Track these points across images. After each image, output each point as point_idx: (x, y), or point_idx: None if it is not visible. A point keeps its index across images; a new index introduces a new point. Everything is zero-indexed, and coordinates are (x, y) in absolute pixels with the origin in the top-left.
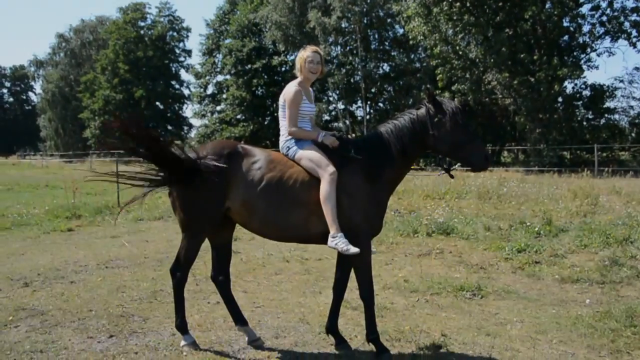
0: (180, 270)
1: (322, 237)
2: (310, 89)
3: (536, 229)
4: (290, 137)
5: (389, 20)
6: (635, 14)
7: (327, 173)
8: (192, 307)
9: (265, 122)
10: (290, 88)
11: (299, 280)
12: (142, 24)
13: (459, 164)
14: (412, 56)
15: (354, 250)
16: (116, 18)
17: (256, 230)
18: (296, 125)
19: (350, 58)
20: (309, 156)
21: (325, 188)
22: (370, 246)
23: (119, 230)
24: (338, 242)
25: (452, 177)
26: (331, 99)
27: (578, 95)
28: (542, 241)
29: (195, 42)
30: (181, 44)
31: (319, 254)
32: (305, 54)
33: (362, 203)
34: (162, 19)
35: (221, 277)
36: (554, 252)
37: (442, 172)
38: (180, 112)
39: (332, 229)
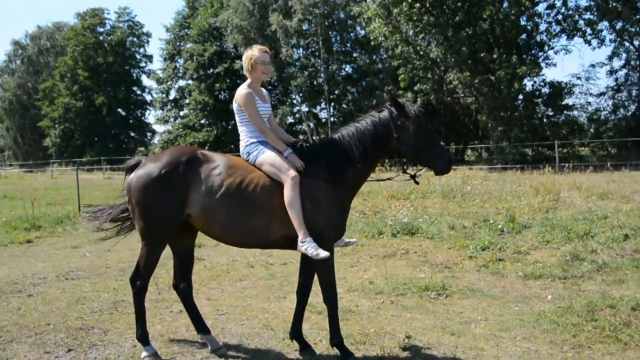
0: (140, 279)
1: (284, 242)
2: (263, 89)
3: (500, 226)
4: (250, 142)
5: (350, 22)
6: (588, 13)
7: (289, 177)
8: (154, 316)
9: (229, 127)
10: (241, 91)
11: (263, 285)
12: (101, 29)
13: (424, 169)
14: (374, 57)
15: (324, 254)
16: (74, 24)
17: (217, 236)
18: (264, 123)
19: (313, 60)
20: (270, 161)
21: (288, 193)
22: (333, 249)
23: (80, 240)
24: (307, 247)
25: (417, 182)
26: (295, 101)
27: (538, 92)
28: (505, 238)
29: (156, 47)
30: (142, 50)
31: (284, 258)
32: (254, 54)
33: (325, 207)
34: (121, 25)
35: (183, 284)
36: (517, 249)
37: (408, 179)
38: (143, 118)
39: (300, 234)
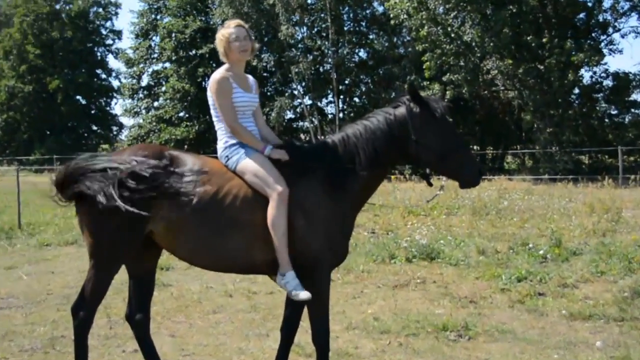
0: (84, 308)
1: (268, 267)
2: (248, 76)
3: (542, 252)
4: (229, 143)
5: None
6: None
7: (275, 192)
8: (101, 357)
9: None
10: (214, 76)
11: (242, 319)
12: None
13: (444, 178)
14: (395, 39)
15: (304, 295)
16: None
17: (187, 258)
18: (236, 119)
19: (319, 42)
20: (254, 169)
21: (272, 211)
22: (330, 279)
23: (16, 259)
24: (287, 282)
25: (430, 184)
26: (295, 92)
27: (598, 86)
28: (548, 267)
29: (126, 20)
30: (108, 23)
31: (271, 286)
32: (226, 31)
33: (322, 224)
34: None
35: (139, 315)
36: (563, 281)
37: (438, 193)
38: (108, 108)
39: (282, 265)
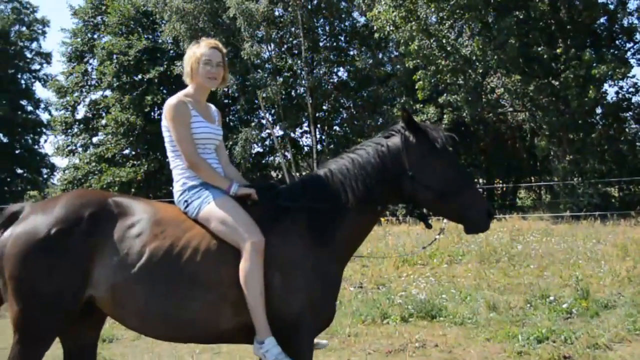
0: None
1: (239, 334)
2: (210, 105)
3: (566, 305)
4: (189, 184)
5: (344, 4)
6: None
7: (248, 242)
8: None
9: (167, 159)
10: (170, 101)
11: None
12: None
13: (445, 220)
14: (380, 56)
15: None
16: None
17: (138, 327)
18: (196, 151)
19: (290, 61)
20: (221, 216)
21: (247, 266)
22: (313, 346)
23: None
24: (267, 351)
25: (429, 226)
26: (264, 121)
27: (625, 103)
28: (574, 324)
29: (56, 40)
30: (34, 45)
31: (240, 357)
32: (198, 51)
33: (303, 281)
34: (2, 7)
35: None
36: (593, 341)
37: (437, 237)
38: (36, 147)
39: (259, 331)
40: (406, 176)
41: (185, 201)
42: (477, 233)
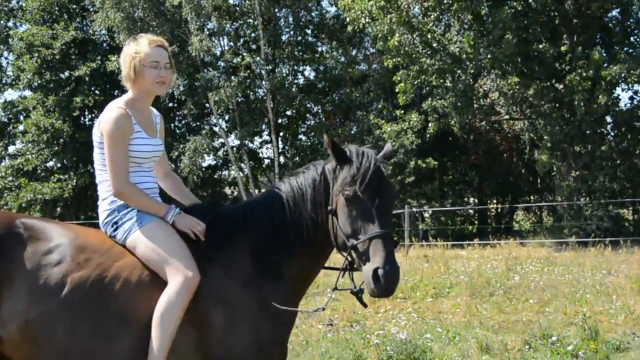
0: None
1: None
2: (152, 110)
3: (571, 347)
4: (117, 204)
5: None
6: None
7: (181, 275)
8: None
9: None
10: (110, 113)
11: None
12: None
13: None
14: (354, 53)
15: None
16: None
17: None
18: (126, 178)
19: (248, 59)
20: (152, 242)
21: (169, 301)
22: None
23: None
24: None
25: (363, 305)
26: (216, 129)
27: None
28: None
29: None
30: None
31: None
32: (141, 50)
33: (249, 321)
34: None
35: None
36: None
37: (330, 296)
38: None
39: None
40: (325, 210)
41: (115, 223)
42: (373, 296)
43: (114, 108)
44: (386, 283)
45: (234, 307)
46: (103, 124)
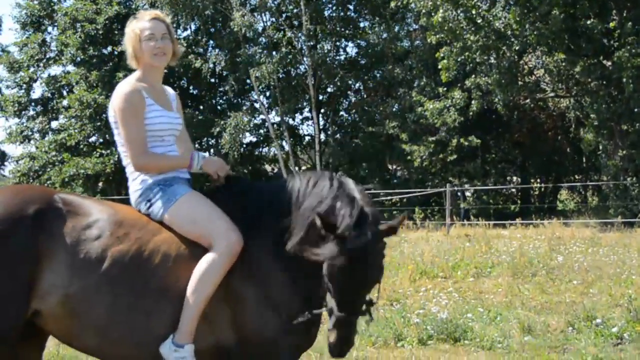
0: None
1: (213, 354)
2: (167, 88)
3: (615, 329)
4: (149, 182)
5: None
6: None
7: (226, 241)
8: None
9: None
10: (120, 89)
11: None
12: None
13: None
14: (397, 29)
15: None
16: None
17: (94, 348)
18: (144, 150)
19: (290, 34)
20: (191, 214)
21: (210, 265)
22: None
23: None
24: (184, 358)
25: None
26: (257, 105)
27: None
28: (626, 352)
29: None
30: None
31: None
32: (137, 25)
33: (281, 297)
34: None
35: None
36: None
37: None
38: None
39: (181, 333)
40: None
41: (148, 201)
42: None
43: (124, 84)
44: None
45: (267, 284)
46: (114, 102)
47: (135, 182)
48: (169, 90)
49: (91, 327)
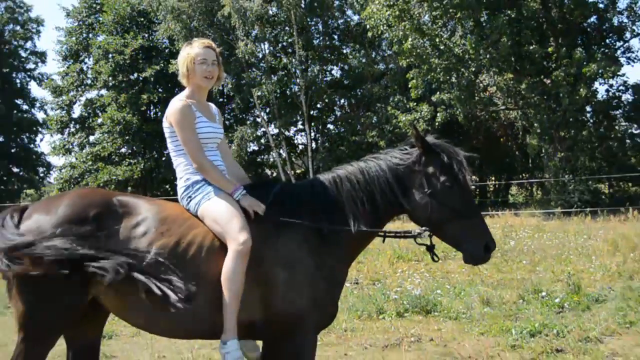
0: None
1: (243, 330)
2: (211, 105)
3: (558, 300)
4: (192, 180)
5: (337, 2)
6: None
7: (234, 242)
8: None
9: (164, 157)
10: (174, 105)
11: None
12: None
13: (425, 229)
14: (374, 54)
15: None
16: None
17: (143, 325)
18: (203, 153)
19: (285, 60)
20: (216, 214)
21: (228, 265)
22: (316, 342)
23: None
24: (228, 353)
25: (435, 260)
26: (259, 120)
27: (615, 101)
28: (566, 318)
29: (51, 40)
30: (29, 44)
31: None
32: (192, 51)
33: (307, 280)
34: None
35: None
36: (584, 334)
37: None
38: (32, 146)
39: (226, 330)
40: (420, 194)
41: (189, 197)
42: (473, 264)
43: (177, 101)
44: (489, 254)
45: (295, 268)
46: (170, 116)
47: (181, 180)
48: (212, 105)
49: (140, 308)
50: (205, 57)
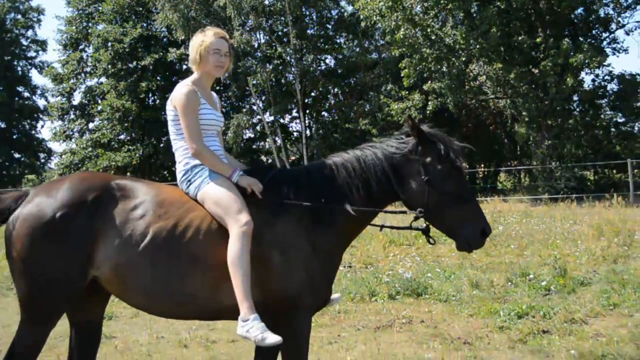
0: None
1: (237, 312)
2: (213, 92)
3: (544, 283)
4: (191, 164)
5: None
6: None
7: (237, 224)
8: None
9: (162, 144)
10: (181, 89)
11: None
12: None
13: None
14: (367, 44)
15: (272, 339)
16: None
17: (141, 305)
18: (201, 140)
19: (280, 49)
20: (216, 197)
21: (233, 248)
22: (310, 324)
23: None
24: (250, 328)
25: (432, 242)
26: (254, 107)
27: (601, 90)
28: (552, 301)
29: (51, 28)
30: (30, 32)
31: (233, 332)
32: (206, 40)
33: (303, 262)
34: None
35: None
36: (570, 316)
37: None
38: (33, 132)
39: (243, 309)
40: (416, 181)
41: (188, 181)
42: (468, 251)
43: (184, 85)
44: (485, 238)
45: (291, 250)
46: (175, 100)
47: (181, 165)
48: (214, 94)
49: (138, 288)
50: (219, 47)
